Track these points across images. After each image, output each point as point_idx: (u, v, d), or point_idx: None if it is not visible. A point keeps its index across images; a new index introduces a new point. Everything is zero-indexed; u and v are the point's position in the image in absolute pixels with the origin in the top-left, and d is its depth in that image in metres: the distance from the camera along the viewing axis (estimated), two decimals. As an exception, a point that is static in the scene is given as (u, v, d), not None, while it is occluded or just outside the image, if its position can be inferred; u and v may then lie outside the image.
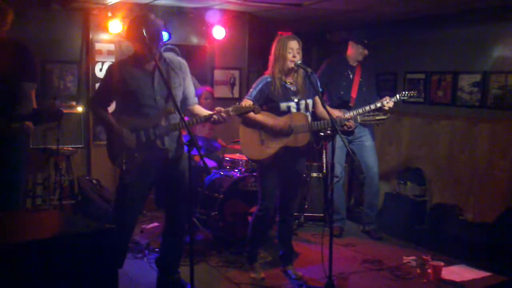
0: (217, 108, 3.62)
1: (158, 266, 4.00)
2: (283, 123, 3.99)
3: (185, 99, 3.77)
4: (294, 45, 4.00)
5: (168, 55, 3.75)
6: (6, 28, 3.44)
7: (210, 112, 3.67)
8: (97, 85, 5.98)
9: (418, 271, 4.42)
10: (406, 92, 5.10)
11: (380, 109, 4.95)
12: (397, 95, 5.03)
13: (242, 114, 3.71)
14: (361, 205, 5.88)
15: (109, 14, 5.86)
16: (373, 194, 5.58)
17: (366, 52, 5.37)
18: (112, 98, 3.76)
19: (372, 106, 5.02)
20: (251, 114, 3.91)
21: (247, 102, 3.98)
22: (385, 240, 5.47)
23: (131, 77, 3.58)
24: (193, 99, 3.83)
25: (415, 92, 5.19)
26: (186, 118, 3.59)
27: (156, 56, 3.55)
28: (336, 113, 4.60)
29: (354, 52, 5.40)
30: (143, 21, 3.53)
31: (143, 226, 5.46)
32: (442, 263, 4.33)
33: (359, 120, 4.04)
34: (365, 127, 5.34)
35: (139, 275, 4.31)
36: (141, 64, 3.61)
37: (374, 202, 5.61)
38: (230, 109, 3.60)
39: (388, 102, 4.95)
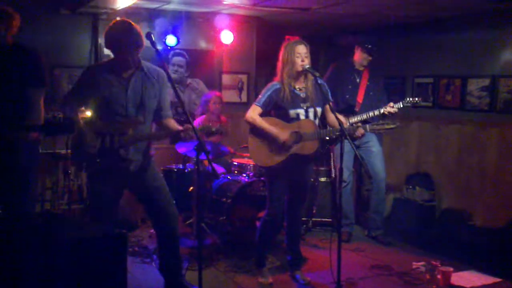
0: (186, 126, 3.52)
1: (161, 272, 3.98)
2: (289, 137, 3.97)
3: (158, 111, 3.69)
4: (302, 50, 3.99)
5: (147, 64, 3.66)
6: (12, 32, 3.44)
7: (180, 128, 3.58)
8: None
9: (428, 276, 4.38)
10: (410, 99, 5.10)
11: (383, 115, 4.97)
12: (400, 102, 5.05)
13: (209, 134, 3.62)
14: (368, 210, 5.86)
15: (118, 19, 5.87)
16: (379, 199, 5.56)
17: (369, 57, 5.36)
18: (83, 101, 3.61)
19: (376, 112, 5.06)
20: (259, 124, 3.91)
21: (255, 110, 3.99)
22: (394, 245, 5.44)
23: (105, 83, 3.52)
24: (167, 112, 3.74)
25: (420, 99, 5.17)
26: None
27: (134, 64, 3.52)
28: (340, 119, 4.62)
29: (359, 57, 5.39)
30: (120, 29, 3.50)
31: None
32: (451, 269, 4.30)
33: (368, 129, 4.02)
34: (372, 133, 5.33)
35: (147, 279, 4.31)
36: (118, 71, 3.55)
37: (380, 207, 5.58)
38: (199, 127, 3.53)
39: (391, 108, 4.98)
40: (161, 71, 3.67)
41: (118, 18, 3.71)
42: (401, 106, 5.06)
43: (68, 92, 3.85)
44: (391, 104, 5.03)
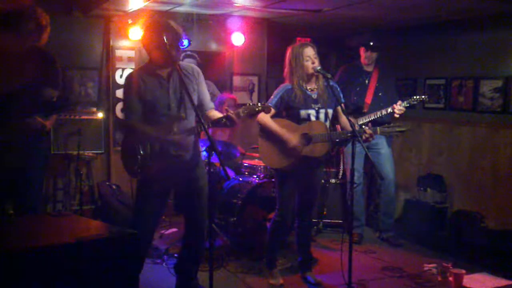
0: (228, 110, 3.55)
1: (176, 271, 4.01)
2: (299, 141, 3.96)
3: (200, 105, 3.74)
4: (310, 52, 3.99)
5: (181, 62, 3.73)
6: (43, 39, 3.48)
7: (221, 115, 3.61)
8: (117, 91, 6.06)
9: (439, 278, 4.37)
10: (417, 97, 5.08)
11: (392, 114, 4.96)
12: (406, 101, 5.02)
13: (252, 114, 3.60)
14: (379, 212, 5.85)
15: (130, 21, 5.92)
16: (388, 201, 5.55)
17: (373, 55, 5.35)
18: (137, 107, 3.61)
19: (384, 112, 5.05)
20: (270, 124, 3.91)
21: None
22: (406, 247, 5.41)
23: (147, 86, 3.57)
24: (208, 104, 3.81)
25: (426, 97, 5.14)
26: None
27: (175, 63, 3.56)
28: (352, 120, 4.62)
29: (364, 56, 5.40)
30: (162, 27, 3.53)
31: (162, 231, 5.48)
32: (463, 271, 4.28)
33: (378, 131, 4.01)
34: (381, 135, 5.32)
35: (158, 280, 4.32)
36: (156, 72, 3.60)
37: (390, 209, 5.57)
38: (240, 110, 3.53)
39: (399, 106, 4.96)
40: (195, 66, 3.76)
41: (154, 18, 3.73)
42: (408, 104, 5.04)
43: (128, 111, 3.71)
44: (399, 102, 5.01)
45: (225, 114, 3.53)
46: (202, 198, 3.78)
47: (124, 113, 3.85)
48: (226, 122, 3.53)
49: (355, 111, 5.28)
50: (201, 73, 3.78)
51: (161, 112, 3.58)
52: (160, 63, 3.59)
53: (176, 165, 3.65)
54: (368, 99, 5.34)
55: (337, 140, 4.08)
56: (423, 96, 5.12)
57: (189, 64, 3.78)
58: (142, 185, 3.74)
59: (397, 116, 5.01)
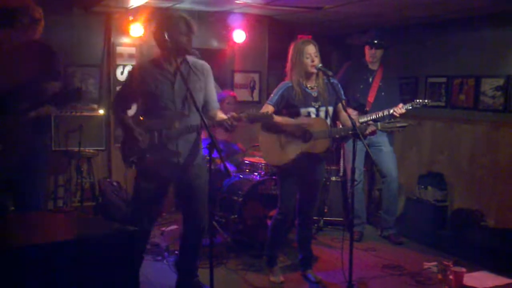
0: (231, 113, 3.55)
1: (177, 269, 4.02)
2: (302, 129, 3.97)
3: (206, 104, 3.74)
4: (311, 50, 3.98)
5: (192, 58, 3.72)
6: (37, 32, 3.48)
7: (225, 117, 3.60)
8: (118, 88, 6.05)
9: (439, 277, 4.36)
10: (419, 100, 5.10)
11: (393, 116, 4.97)
12: (408, 104, 5.04)
13: (255, 121, 3.64)
14: (380, 209, 5.85)
15: (130, 18, 5.92)
16: (391, 199, 5.54)
17: (377, 53, 5.35)
18: (133, 100, 3.74)
19: (385, 112, 5.07)
20: (274, 119, 3.92)
21: (267, 108, 3.99)
22: (406, 245, 5.42)
23: (152, 79, 3.57)
24: (214, 103, 3.80)
25: (428, 101, 5.15)
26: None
27: (180, 58, 3.56)
28: (353, 114, 4.63)
29: (368, 54, 5.40)
30: (166, 23, 3.53)
31: (163, 228, 5.48)
32: (464, 269, 4.27)
33: (379, 127, 4.01)
34: (382, 133, 5.32)
35: (158, 277, 4.33)
36: (163, 66, 3.60)
37: (392, 207, 5.57)
38: (244, 115, 3.53)
39: (400, 109, 4.98)
40: (206, 64, 3.76)
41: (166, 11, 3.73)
42: (410, 107, 5.05)
43: (118, 93, 3.95)
44: (400, 105, 5.04)
45: (228, 116, 3.53)
46: (200, 196, 3.76)
47: (113, 103, 3.91)
48: (226, 126, 3.54)
49: (357, 109, 5.28)
50: (210, 71, 3.77)
51: (164, 106, 3.57)
52: (169, 56, 3.57)
53: (174, 162, 3.63)
54: (371, 97, 5.34)
55: (337, 136, 4.08)
56: (425, 100, 5.12)
57: (199, 61, 3.76)
58: (139, 178, 3.73)
59: (396, 115, 5.00)
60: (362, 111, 5.29)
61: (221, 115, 3.74)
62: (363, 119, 5.21)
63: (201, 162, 3.83)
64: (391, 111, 5.04)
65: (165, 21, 3.55)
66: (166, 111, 3.58)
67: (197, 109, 3.38)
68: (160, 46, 3.59)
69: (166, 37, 3.47)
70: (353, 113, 4.94)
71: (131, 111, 3.79)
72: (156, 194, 3.75)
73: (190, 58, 3.69)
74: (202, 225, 3.84)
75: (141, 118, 3.65)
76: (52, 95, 3.44)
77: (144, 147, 3.56)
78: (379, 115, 5.14)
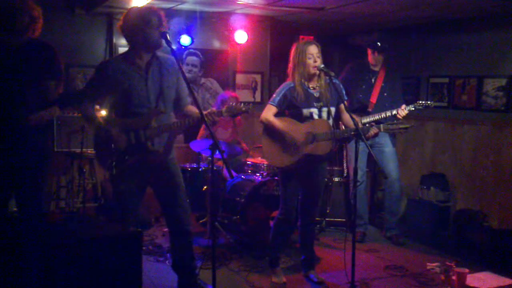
0: (210, 109, 3.51)
1: (175, 271, 3.98)
2: (304, 137, 3.95)
3: (178, 100, 3.68)
4: (313, 50, 3.97)
5: (162, 54, 3.63)
6: (36, 31, 3.48)
7: (197, 111, 3.51)
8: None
9: (442, 277, 4.35)
10: (422, 102, 5.08)
11: (395, 117, 4.95)
12: (411, 105, 5.04)
13: (235, 115, 3.60)
14: (383, 210, 5.84)
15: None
16: (393, 200, 5.53)
17: (380, 57, 5.33)
18: (100, 98, 3.60)
19: (388, 113, 5.05)
20: (273, 123, 3.91)
21: (270, 109, 3.99)
22: (408, 246, 5.41)
23: (123, 75, 3.48)
24: (186, 99, 3.73)
25: (431, 102, 5.14)
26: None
27: (151, 53, 3.52)
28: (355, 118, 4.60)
29: (371, 57, 5.38)
30: (137, 17, 3.47)
31: (165, 229, 5.48)
32: (466, 270, 4.27)
33: (382, 128, 4.00)
34: (385, 133, 5.31)
35: (161, 278, 4.32)
36: (135, 62, 3.52)
37: (394, 207, 5.56)
38: (223, 110, 3.50)
39: (403, 111, 4.97)
40: (174, 58, 3.57)
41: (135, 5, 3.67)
42: (413, 108, 5.05)
43: (82, 90, 3.72)
44: (403, 106, 5.02)
45: (206, 112, 3.43)
46: (180, 195, 3.73)
47: (76, 101, 3.66)
48: (208, 120, 3.42)
49: (360, 109, 5.27)
50: (178, 66, 3.63)
51: (138, 103, 3.49)
52: (140, 51, 3.51)
53: (152, 161, 3.57)
54: (374, 98, 5.32)
55: (341, 138, 4.07)
56: (428, 102, 5.10)
57: (169, 56, 3.64)
58: (117, 179, 3.62)
59: (399, 117, 4.99)
60: (364, 111, 5.28)
61: (194, 110, 3.68)
62: (366, 120, 5.20)
63: (175, 162, 3.77)
64: (394, 112, 5.04)
65: (136, 15, 3.48)
66: (141, 109, 3.49)
67: (198, 106, 3.26)
68: (131, 41, 3.53)
69: (137, 31, 3.42)
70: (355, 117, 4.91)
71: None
72: (138, 194, 3.69)
73: (160, 54, 3.61)
74: (187, 222, 3.79)
75: (114, 117, 3.55)
76: (54, 94, 3.44)
77: (123, 148, 3.46)
78: (382, 116, 5.12)
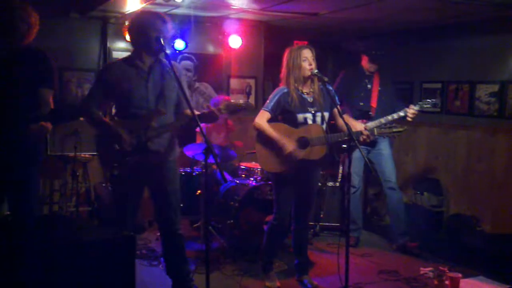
0: (208, 106, 3.55)
1: (170, 276, 3.97)
2: (296, 147, 3.94)
3: (180, 103, 3.70)
4: (308, 54, 3.98)
5: (163, 60, 3.66)
6: (31, 37, 3.48)
7: (203, 111, 3.57)
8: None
9: (436, 282, 4.36)
10: (429, 100, 4.92)
11: (404, 118, 4.86)
12: (419, 103, 4.88)
13: (233, 112, 3.62)
14: (377, 215, 5.83)
15: (127, 23, 5.90)
16: (395, 203, 5.38)
17: (374, 65, 5.30)
18: (104, 101, 3.64)
19: (395, 116, 4.87)
20: (267, 131, 3.92)
21: (264, 115, 3.99)
22: (402, 251, 5.41)
23: (125, 77, 3.52)
24: (185, 104, 3.71)
25: (437, 100, 5.11)
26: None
27: (154, 57, 3.55)
28: (358, 126, 4.57)
29: (366, 64, 5.36)
30: (142, 20, 3.51)
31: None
32: (460, 275, 4.27)
33: (376, 132, 3.99)
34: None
35: (154, 282, 4.31)
36: (137, 65, 3.56)
37: (398, 211, 5.37)
38: (222, 106, 3.52)
39: (412, 110, 4.83)
40: (177, 64, 3.71)
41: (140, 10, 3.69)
42: (420, 108, 4.88)
43: (88, 95, 3.73)
44: (412, 106, 4.87)
45: (204, 111, 3.50)
46: (174, 200, 3.73)
47: (81, 106, 3.72)
48: (207, 117, 3.52)
49: (362, 116, 5.20)
50: (182, 71, 3.75)
51: (140, 105, 3.52)
52: (142, 54, 3.55)
53: (152, 162, 3.58)
54: (374, 103, 5.26)
55: (345, 145, 4.02)
56: (433, 100, 5.02)
57: (175, 62, 3.67)
58: (117, 183, 3.66)
59: (409, 119, 4.90)
60: (367, 117, 5.21)
61: (189, 112, 3.64)
62: (372, 124, 5.03)
63: (176, 166, 3.78)
64: (402, 113, 4.88)
65: (141, 18, 3.54)
66: (141, 110, 3.52)
67: (191, 109, 3.28)
68: (134, 43, 3.58)
69: (141, 34, 3.46)
70: (358, 123, 4.88)
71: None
72: (136, 196, 3.71)
73: (162, 59, 3.64)
74: (178, 226, 3.79)
75: (116, 119, 3.58)
76: (48, 102, 3.44)
77: (129, 149, 3.48)
78: (389, 119, 4.92)
